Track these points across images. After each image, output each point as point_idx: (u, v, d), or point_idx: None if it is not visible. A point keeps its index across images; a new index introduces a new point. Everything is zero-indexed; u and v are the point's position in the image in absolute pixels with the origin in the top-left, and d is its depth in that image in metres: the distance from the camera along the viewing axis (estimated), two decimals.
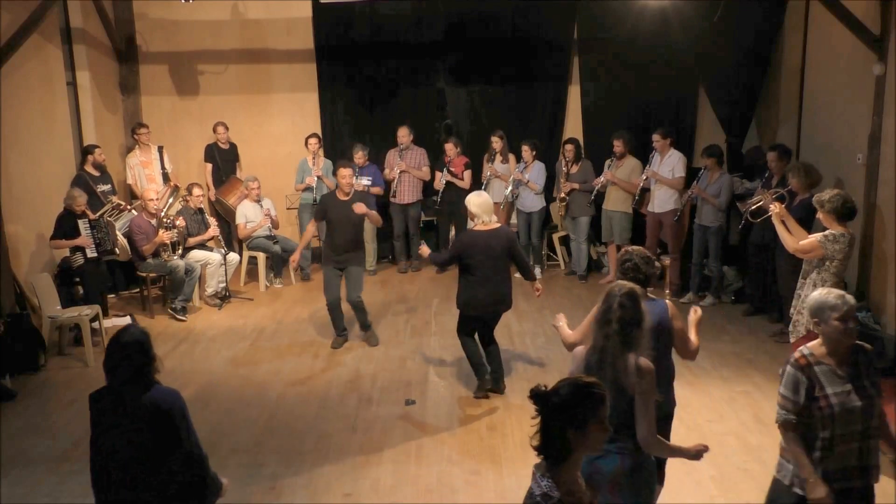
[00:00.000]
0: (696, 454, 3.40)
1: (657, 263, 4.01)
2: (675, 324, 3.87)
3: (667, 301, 3.93)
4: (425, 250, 6.22)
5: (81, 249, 7.32)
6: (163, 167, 9.16)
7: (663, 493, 4.56)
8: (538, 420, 2.44)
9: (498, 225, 5.85)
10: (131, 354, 3.16)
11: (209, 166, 9.45)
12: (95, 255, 7.41)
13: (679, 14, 8.81)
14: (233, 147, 9.59)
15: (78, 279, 7.50)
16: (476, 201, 5.78)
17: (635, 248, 4.01)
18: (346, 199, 6.81)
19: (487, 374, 5.99)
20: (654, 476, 3.41)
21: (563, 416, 2.40)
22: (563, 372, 6.38)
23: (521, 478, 4.77)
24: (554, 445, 2.40)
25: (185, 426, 3.21)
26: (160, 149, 9.25)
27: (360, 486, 4.79)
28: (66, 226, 7.28)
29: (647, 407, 3.19)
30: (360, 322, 7.19)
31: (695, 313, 4.06)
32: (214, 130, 9.41)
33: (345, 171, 6.80)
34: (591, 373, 3.19)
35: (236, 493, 4.72)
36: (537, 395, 2.45)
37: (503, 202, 9.14)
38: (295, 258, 7.29)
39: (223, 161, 9.46)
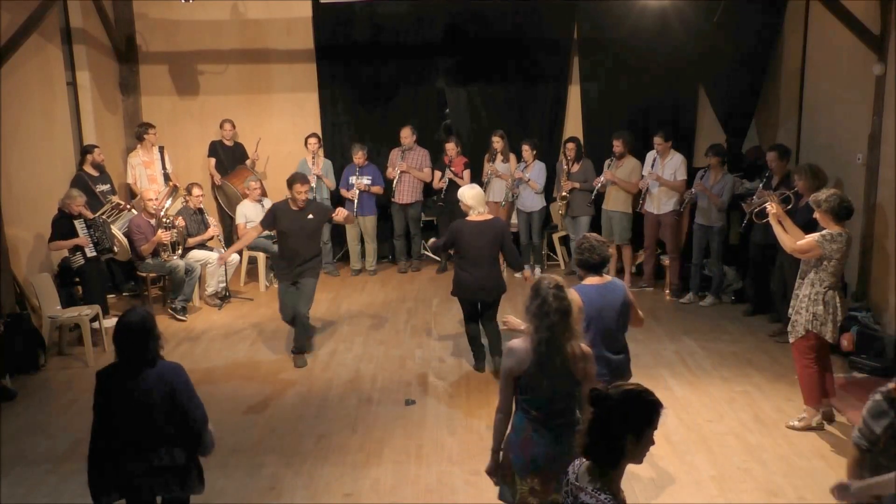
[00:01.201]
0: None
1: (611, 250, 4.46)
2: (631, 298, 4.29)
3: (620, 280, 4.28)
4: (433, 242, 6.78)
5: (81, 249, 7.32)
6: (164, 167, 9.16)
7: (663, 492, 4.58)
8: (588, 422, 2.40)
9: (492, 216, 6.38)
10: (137, 334, 3.42)
11: (212, 160, 9.47)
12: (95, 253, 7.42)
13: (679, 14, 8.81)
14: (238, 146, 9.59)
15: (78, 279, 7.50)
16: (469, 194, 6.27)
17: (592, 234, 4.48)
18: (298, 209, 6.52)
19: (483, 360, 6.49)
20: None
21: (624, 421, 2.36)
22: None
23: None
24: (608, 450, 2.38)
25: (189, 397, 3.47)
26: (161, 149, 9.25)
27: (360, 486, 4.79)
28: (62, 227, 7.27)
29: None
30: (297, 341, 6.70)
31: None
32: (221, 127, 9.42)
33: (302, 188, 6.46)
34: (541, 363, 3.37)
35: (236, 493, 4.73)
36: (598, 397, 2.40)
37: (504, 202, 9.15)
38: (224, 257, 7.31)
39: (227, 158, 9.46)
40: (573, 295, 3.57)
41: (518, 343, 3.48)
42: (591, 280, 4.33)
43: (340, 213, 6.73)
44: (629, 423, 2.37)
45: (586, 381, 3.39)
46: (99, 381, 3.50)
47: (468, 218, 6.21)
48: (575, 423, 3.44)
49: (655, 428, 2.41)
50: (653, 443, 2.42)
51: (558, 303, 3.37)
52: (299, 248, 6.56)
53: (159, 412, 3.41)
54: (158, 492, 3.50)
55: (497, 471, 3.61)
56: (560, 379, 3.39)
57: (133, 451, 3.42)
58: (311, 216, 6.57)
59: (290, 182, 6.54)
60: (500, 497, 3.66)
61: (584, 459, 2.47)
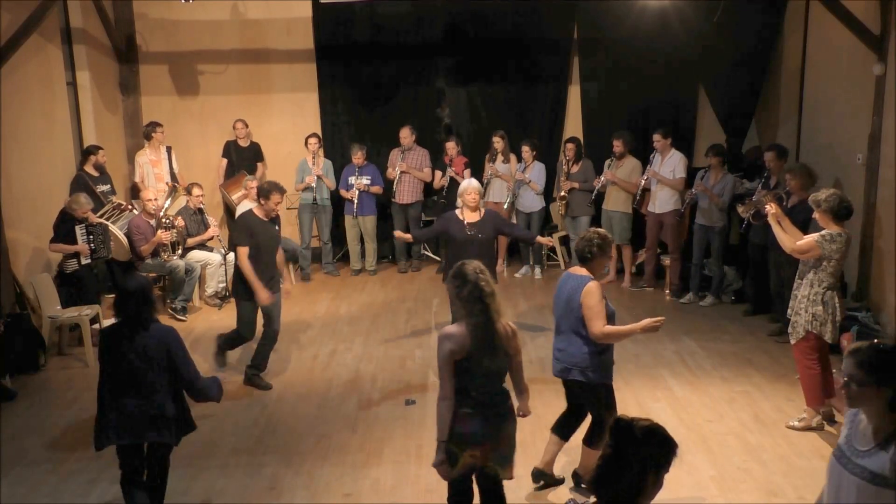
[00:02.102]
0: (528, 412, 4.02)
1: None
2: (584, 300, 4.29)
3: (592, 281, 4.32)
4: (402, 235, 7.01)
5: (77, 255, 7.30)
6: (171, 167, 9.17)
7: (663, 492, 4.57)
8: (605, 456, 2.29)
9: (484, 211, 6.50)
10: (135, 298, 3.94)
11: (224, 162, 9.47)
12: (90, 261, 7.38)
13: (679, 14, 8.82)
14: (254, 145, 9.60)
15: (73, 282, 7.46)
16: (464, 187, 6.43)
17: (599, 229, 4.52)
18: (267, 219, 6.09)
19: None
20: None
21: (648, 456, 2.26)
22: None
23: (520, 478, 4.76)
24: (626, 486, 2.25)
25: (182, 355, 4.00)
26: (168, 149, 9.26)
27: (360, 486, 4.79)
28: (63, 230, 7.23)
29: (522, 362, 3.84)
30: (260, 358, 6.28)
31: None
32: (234, 126, 9.43)
33: (280, 199, 6.07)
34: (482, 346, 3.51)
35: (236, 493, 4.73)
36: (622, 428, 2.29)
37: (507, 204, 9.15)
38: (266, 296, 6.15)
39: (239, 159, 9.46)
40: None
41: (453, 328, 3.60)
42: (576, 270, 4.46)
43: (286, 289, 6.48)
44: (654, 458, 2.26)
45: (516, 356, 3.73)
46: (102, 338, 4.04)
47: (458, 210, 6.49)
48: (508, 398, 3.72)
49: (667, 470, 2.30)
50: (661, 485, 2.30)
51: (487, 286, 3.56)
52: (270, 259, 6.13)
53: (154, 367, 3.92)
54: (150, 436, 3.99)
55: (446, 463, 3.60)
56: (497, 358, 3.60)
57: (131, 400, 3.92)
58: (276, 226, 6.20)
59: (268, 192, 6.00)
60: (442, 473, 3.66)
61: (593, 498, 2.31)
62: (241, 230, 6.09)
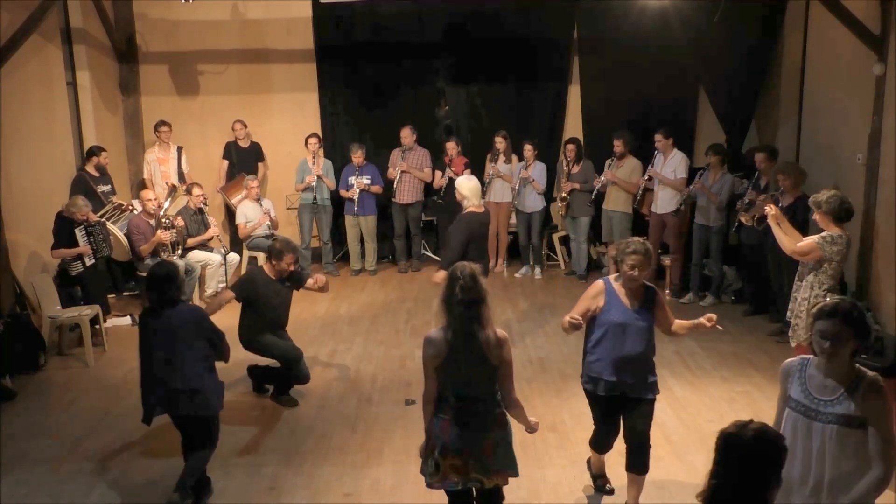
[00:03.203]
0: (532, 427, 3.79)
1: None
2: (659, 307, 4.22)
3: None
4: (439, 277, 5.68)
5: (81, 257, 7.30)
6: (179, 167, 9.17)
7: (663, 493, 4.58)
8: (717, 474, 2.25)
9: (484, 208, 6.36)
10: (163, 281, 4.37)
11: (225, 163, 9.47)
12: (93, 261, 7.38)
13: (679, 14, 8.81)
14: (254, 146, 9.60)
15: (78, 284, 7.46)
16: (468, 185, 6.22)
17: (636, 238, 4.25)
18: (277, 279, 5.78)
19: None
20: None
21: (769, 471, 2.22)
22: (563, 372, 6.40)
23: (521, 478, 4.75)
24: (754, 499, 2.21)
25: (213, 330, 4.50)
26: (179, 149, 9.28)
27: (360, 486, 4.79)
28: (63, 233, 7.21)
29: (511, 371, 3.58)
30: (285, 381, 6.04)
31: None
32: (232, 128, 9.43)
33: (291, 260, 5.72)
34: (459, 354, 3.41)
35: (237, 493, 4.73)
36: (731, 444, 2.24)
37: (511, 202, 9.16)
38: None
39: (240, 159, 9.47)
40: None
41: (435, 333, 3.51)
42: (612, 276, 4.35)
43: (319, 280, 5.99)
44: (775, 472, 2.23)
45: (503, 366, 3.51)
46: (140, 320, 4.50)
47: (470, 210, 6.13)
48: (495, 407, 3.57)
49: (783, 466, 2.28)
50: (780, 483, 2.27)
51: (464, 293, 3.41)
52: (276, 318, 5.91)
53: (183, 343, 4.34)
54: (185, 409, 4.39)
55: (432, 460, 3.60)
56: (476, 367, 3.45)
57: (166, 376, 4.34)
58: (287, 283, 5.89)
59: (280, 252, 5.66)
60: (422, 472, 3.67)
61: None
62: (241, 283, 5.89)
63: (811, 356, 3.07)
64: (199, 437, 4.53)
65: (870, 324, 2.99)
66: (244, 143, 9.52)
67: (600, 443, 4.46)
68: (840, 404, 2.87)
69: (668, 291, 8.33)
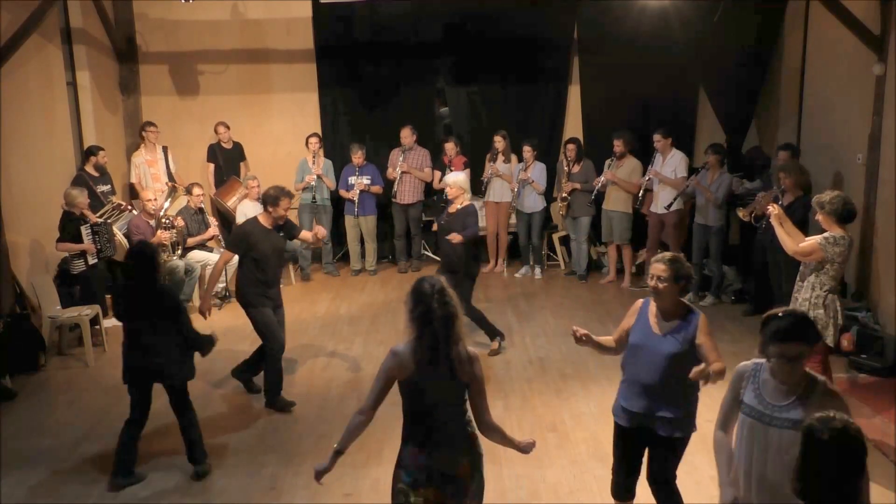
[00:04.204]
0: (525, 447, 3.52)
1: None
2: (699, 337, 3.77)
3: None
4: (456, 237, 6.33)
5: (84, 255, 7.30)
6: (167, 167, 9.17)
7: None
8: (805, 468, 2.33)
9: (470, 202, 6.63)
10: (143, 262, 4.70)
11: (211, 166, 9.46)
12: (96, 260, 7.39)
13: (679, 14, 8.81)
14: (237, 146, 9.59)
15: (78, 283, 7.46)
16: (461, 179, 6.52)
17: (673, 254, 3.88)
18: (270, 228, 5.78)
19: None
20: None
21: (859, 464, 2.29)
22: (563, 372, 6.40)
23: (521, 478, 4.77)
24: (845, 498, 2.29)
25: (180, 309, 4.81)
26: (164, 149, 9.26)
27: (360, 486, 4.79)
28: (70, 229, 7.23)
29: (484, 391, 3.38)
30: (274, 384, 5.89)
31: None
32: (216, 131, 9.41)
33: (287, 203, 5.74)
34: (425, 371, 3.22)
35: (236, 493, 4.73)
36: (813, 437, 2.33)
37: (511, 202, 9.17)
38: (207, 306, 5.95)
39: (226, 161, 9.46)
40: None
41: (402, 347, 3.31)
42: None
43: (319, 232, 6.13)
44: (862, 464, 2.28)
45: (474, 383, 3.31)
46: (115, 294, 5.04)
47: (467, 202, 6.53)
48: (466, 426, 3.35)
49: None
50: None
51: (443, 309, 3.22)
52: (274, 271, 5.85)
53: (164, 318, 4.68)
54: (155, 379, 4.77)
55: (326, 471, 3.45)
56: (445, 386, 3.26)
57: (138, 347, 4.68)
58: (281, 233, 5.90)
59: (276, 198, 5.66)
60: None
61: None
62: (236, 238, 5.82)
63: (765, 360, 3.08)
64: (177, 404, 4.87)
65: (815, 325, 3.05)
66: (227, 145, 9.50)
67: (615, 485, 4.01)
68: (794, 409, 2.91)
69: None
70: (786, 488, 2.82)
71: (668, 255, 3.81)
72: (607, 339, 3.99)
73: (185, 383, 4.88)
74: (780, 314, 2.96)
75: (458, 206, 6.48)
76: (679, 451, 3.87)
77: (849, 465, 2.30)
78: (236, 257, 5.82)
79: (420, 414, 3.32)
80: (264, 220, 5.75)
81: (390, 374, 3.31)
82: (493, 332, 6.81)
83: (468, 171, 9.08)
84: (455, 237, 6.30)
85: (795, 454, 2.72)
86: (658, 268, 3.70)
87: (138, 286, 4.73)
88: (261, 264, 5.70)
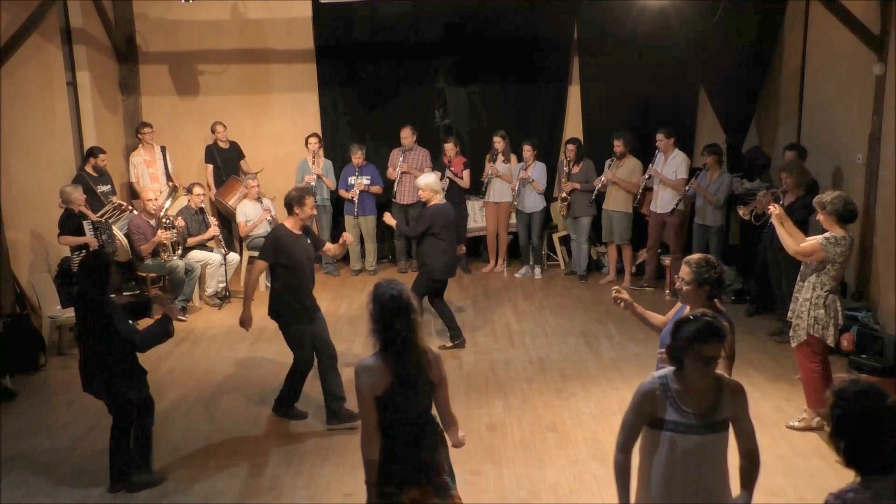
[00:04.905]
0: (456, 444, 3.49)
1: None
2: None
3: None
4: (390, 219, 7.05)
5: (85, 249, 7.31)
6: (166, 167, 9.17)
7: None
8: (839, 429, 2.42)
9: (445, 200, 6.92)
10: (90, 272, 4.59)
11: (209, 167, 9.46)
12: None
13: (679, 14, 8.81)
14: (234, 146, 9.59)
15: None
16: (431, 180, 6.69)
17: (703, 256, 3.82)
18: (298, 234, 5.53)
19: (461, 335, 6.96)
20: None
21: (877, 421, 2.38)
22: (563, 372, 6.40)
23: (521, 478, 4.77)
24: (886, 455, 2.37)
25: (118, 318, 4.54)
26: (163, 149, 9.26)
27: (359, 486, 4.73)
28: (70, 225, 7.27)
29: (446, 392, 3.40)
30: (335, 390, 5.58)
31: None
32: (213, 130, 9.41)
33: (312, 201, 5.56)
34: (404, 381, 3.21)
35: (236, 493, 4.73)
36: (840, 399, 2.42)
37: (510, 202, 9.17)
38: (248, 317, 5.59)
39: (224, 161, 9.46)
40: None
41: (371, 361, 3.26)
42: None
43: (347, 239, 6.03)
44: (880, 419, 2.38)
45: (441, 384, 3.33)
46: (75, 305, 4.79)
47: (437, 202, 6.68)
48: (437, 425, 3.40)
49: None
50: None
51: (404, 319, 3.20)
52: (308, 277, 5.55)
53: (92, 332, 4.56)
54: (88, 391, 4.70)
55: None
56: (420, 392, 3.27)
57: (83, 358, 4.65)
58: (308, 239, 5.67)
59: (301, 198, 5.44)
60: None
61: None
62: (269, 245, 5.52)
63: (664, 371, 3.04)
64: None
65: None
66: (224, 145, 9.50)
67: None
68: (713, 412, 2.95)
69: (667, 291, 8.33)
70: (713, 491, 2.97)
71: (695, 257, 3.79)
72: (654, 315, 4.05)
73: (123, 404, 4.66)
74: (691, 318, 2.95)
75: (430, 206, 6.72)
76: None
77: (872, 423, 2.39)
78: (235, 256, 5.75)
79: (398, 423, 3.27)
80: (292, 226, 5.49)
81: (371, 393, 3.23)
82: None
83: (468, 171, 9.14)
84: (388, 218, 7.04)
85: (718, 455, 2.97)
86: (683, 270, 3.73)
87: (83, 298, 4.61)
88: (295, 272, 5.44)
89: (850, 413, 2.40)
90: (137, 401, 4.72)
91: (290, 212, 5.49)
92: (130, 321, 4.71)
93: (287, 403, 5.69)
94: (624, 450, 3.08)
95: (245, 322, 5.56)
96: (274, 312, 5.53)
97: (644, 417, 3.02)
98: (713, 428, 2.95)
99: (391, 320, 3.21)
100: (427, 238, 6.68)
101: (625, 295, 3.95)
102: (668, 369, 3.02)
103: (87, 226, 7.33)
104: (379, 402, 3.21)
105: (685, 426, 2.94)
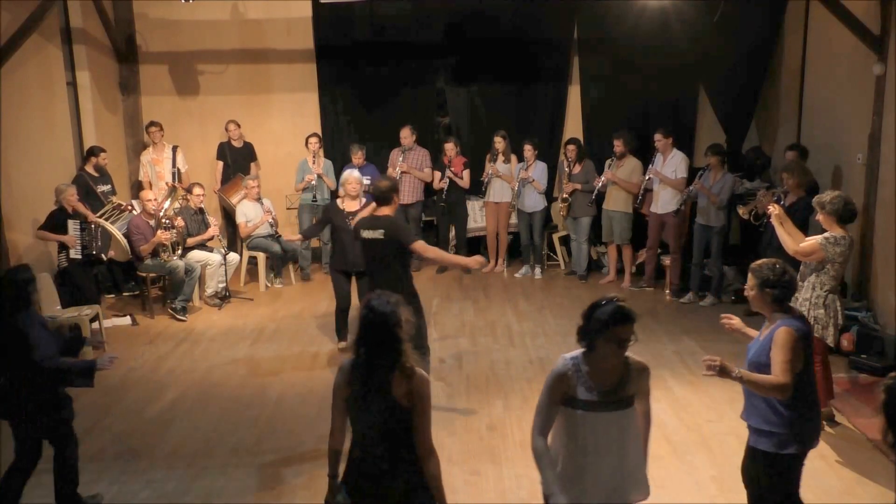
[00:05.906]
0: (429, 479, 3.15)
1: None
2: (772, 350, 3.63)
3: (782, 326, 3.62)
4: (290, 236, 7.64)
5: (66, 250, 7.30)
6: (174, 166, 9.18)
7: (663, 492, 4.57)
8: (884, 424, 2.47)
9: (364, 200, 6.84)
10: (4, 286, 4.22)
11: (220, 164, 9.47)
12: (79, 256, 7.36)
13: (679, 14, 8.82)
14: (247, 146, 9.60)
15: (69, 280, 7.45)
16: (357, 176, 6.91)
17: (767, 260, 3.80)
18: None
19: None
20: None
21: None
22: None
23: (521, 478, 4.77)
24: None
25: (32, 340, 4.14)
26: (174, 148, 9.29)
27: None
28: (56, 220, 7.27)
29: (428, 414, 3.08)
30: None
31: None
32: (226, 129, 9.43)
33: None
34: (361, 393, 3.02)
35: (236, 493, 4.72)
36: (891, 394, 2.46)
37: (511, 202, 9.17)
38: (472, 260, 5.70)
39: (234, 160, 9.47)
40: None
41: (347, 363, 3.13)
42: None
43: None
44: None
45: (419, 406, 3.02)
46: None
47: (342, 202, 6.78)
48: (395, 458, 3.04)
49: None
50: None
51: (377, 318, 3.01)
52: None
53: (11, 355, 4.16)
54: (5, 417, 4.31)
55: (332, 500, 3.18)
56: (378, 409, 3.01)
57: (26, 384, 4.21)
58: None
59: (397, 188, 5.81)
60: None
61: None
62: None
63: (575, 353, 3.19)
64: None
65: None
66: (238, 144, 9.51)
67: None
68: (622, 389, 3.09)
69: (667, 291, 8.33)
70: (623, 466, 3.11)
71: (759, 262, 3.82)
72: (753, 331, 4.10)
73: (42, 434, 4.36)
74: (602, 302, 3.09)
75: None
76: (770, 468, 3.72)
77: None
78: (235, 256, 5.74)
79: (356, 434, 3.11)
80: (392, 212, 5.66)
81: (339, 392, 3.11)
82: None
83: (468, 171, 9.13)
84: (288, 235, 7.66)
85: (629, 429, 3.12)
86: (748, 277, 3.80)
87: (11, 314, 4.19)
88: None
89: None
90: (45, 433, 4.34)
91: (389, 201, 5.61)
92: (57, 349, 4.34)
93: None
94: (541, 432, 3.18)
95: (473, 262, 5.61)
96: (410, 294, 5.48)
97: (558, 399, 3.15)
98: (620, 404, 3.09)
99: (364, 334, 3.05)
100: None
101: (735, 323, 4.05)
102: (579, 351, 3.17)
103: (72, 225, 7.27)
104: (347, 405, 3.11)
105: (595, 404, 3.07)
